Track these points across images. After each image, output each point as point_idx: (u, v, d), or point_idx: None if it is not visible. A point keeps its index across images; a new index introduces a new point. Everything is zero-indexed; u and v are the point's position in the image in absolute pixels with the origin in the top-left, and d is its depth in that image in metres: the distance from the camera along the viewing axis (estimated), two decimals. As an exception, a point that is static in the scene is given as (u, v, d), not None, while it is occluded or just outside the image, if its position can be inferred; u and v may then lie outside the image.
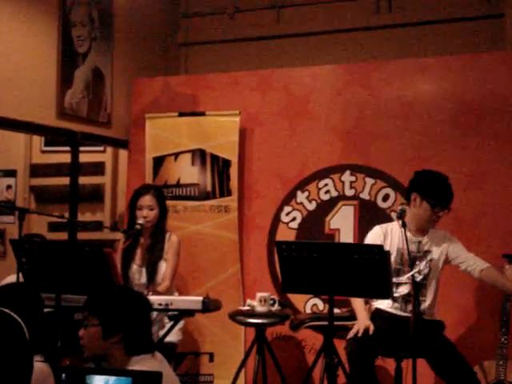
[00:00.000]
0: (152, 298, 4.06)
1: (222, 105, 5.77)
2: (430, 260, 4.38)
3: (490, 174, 5.12)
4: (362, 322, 4.27)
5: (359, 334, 4.21)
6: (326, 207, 5.51)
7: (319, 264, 3.70)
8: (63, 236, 5.95)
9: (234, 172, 5.63)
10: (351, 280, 3.71)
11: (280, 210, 5.62)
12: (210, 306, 4.14)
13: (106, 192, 7.21)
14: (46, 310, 3.35)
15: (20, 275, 3.97)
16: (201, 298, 4.11)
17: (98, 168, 7.14)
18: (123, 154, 6.62)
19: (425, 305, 4.36)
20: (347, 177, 5.47)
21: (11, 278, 4.44)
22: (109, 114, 6.02)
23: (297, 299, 5.45)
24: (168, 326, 4.45)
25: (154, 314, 4.45)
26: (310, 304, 5.47)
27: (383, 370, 4.92)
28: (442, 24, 6.14)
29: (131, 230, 4.72)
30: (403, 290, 4.35)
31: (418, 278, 4.29)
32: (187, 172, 5.73)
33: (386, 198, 5.37)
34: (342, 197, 5.48)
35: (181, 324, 4.71)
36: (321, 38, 6.50)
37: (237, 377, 5.07)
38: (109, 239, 6.49)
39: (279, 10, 6.70)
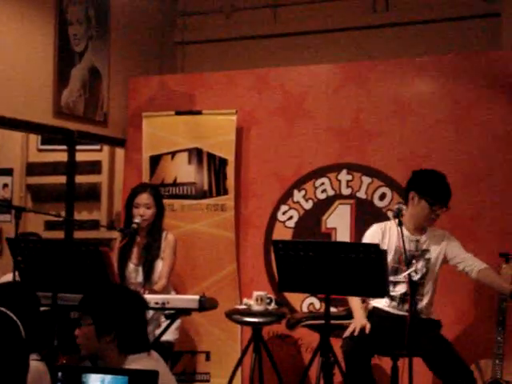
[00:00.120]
0: (148, 296, 4.05)
1: (219, 103, 5.77)
2: (428, 259, 4.38)
3: (487, 173, 5.13)
4: (359, 321, 4.27)
5: (355, 333, 4.21)
6: (323, 206, 5.51)
7: (316, 263, 3.70)
8: (60, 235, 5.94)
9: (230, 171, 5.63)
10: (348, 279, 3.71)
11: (277, 208, 5.62)
12: (206, 304, 4.13)
13: (102, 191, 7.20)
14: (42, 308, 3.35)
15: (16, 274, 3.96)
16: (197, 297, 4.11)
17: (94, 167, 7.13)
18: (120, 152, 6.62)
19: (422, 304, 4.36)
20: (344, 176, 5.47)
21: (7, 277, 4.44)
22: (105, 112, 6.01)
23: (293, 298, 5.45)
24: (164, 324, 4.45)
25: (151, 312, 4.45)
26: (306, 303, 5.47)
27: (379, 369, 4.92)
28: (438, 23, 6.14)
29: (128, 228, 4.72)
30: (401, 288, 4.36)
31: (416, 276, 4.30)
32: (184, 171, 5.73)
33: (382, 197, 5.37)
34: (338, 196, 5.48)
35: (177, 323, 4.71)
36: (317, 36, 6.50)
37: (233, 375, 5.07)
38: (105, 238, 6.48)
39: (276, 9, 6.70)
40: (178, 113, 5.78)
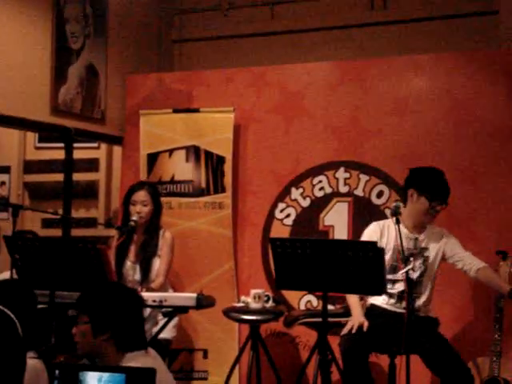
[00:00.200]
0: (146, 294, 4.06)
1: (217, 101, 5.77)
2: (427, 257, 4.38)
3: (484, 171, 5.13)
4: (357, 319, 4.27)
5: (353, 331, 4.21)
6: (321, 204, 5.51)
7: (313, 261, 3.70)
8: (57, 232, 5.94)
9: (228, 168, 5.63)
10: (345, 276, 3.71)
11: (274, 206, 5.62)
12: (204, 302, 4.14)
13: (100, 188, 7.20)
14: (39, 306, 3.35)
15: (13, 272, 3.96)
16: (195, 295, 4.11)
17: (92, 164, 7.13)
18: (117, 150, 6.62)
19: (420, 301, 4.36)
20: (341, 173, 5.47)
21: (5, 275, 4.43)
22: (103, 110, 6.00)
23: (291, 296, 5.45)
24: (161, 322, 4.45)
25: (148, 310, 4.45)
26: (304, 300, 5.47)
27: (377, 367, 4.92)
28: (436, 21, 6.14)
29: (125, 226, 4.71)
30: (399, 286, 4.36)
31: (414, 275, 4.30)
32: (181, 168, 5.73)
33: (380, 194, 5.37)
34: (336, 193, 5.48)
35: (175, 320, 4.71)
36: (315, 34, 6.49)
37: (231, 373, 5.07)
38: (103, 236, 6.47)
39: (273, 7, 6.69)
40: (176, 110, 5.77)
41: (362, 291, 4.10)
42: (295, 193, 5.57)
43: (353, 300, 4.38)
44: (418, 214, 4.36)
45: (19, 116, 5.22)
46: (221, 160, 5.65)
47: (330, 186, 5.49)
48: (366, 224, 4.57)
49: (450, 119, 5.24)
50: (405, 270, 3.94)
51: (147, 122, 5.81)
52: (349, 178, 5.45)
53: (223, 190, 5.64)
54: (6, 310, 2.06)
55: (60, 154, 5.91)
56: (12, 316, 2.05)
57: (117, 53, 6.18)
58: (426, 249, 4.40)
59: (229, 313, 5.00)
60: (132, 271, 4.76)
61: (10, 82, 5.15)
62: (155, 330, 4.50)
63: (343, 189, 5.46)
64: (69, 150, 5.74)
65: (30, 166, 7.29)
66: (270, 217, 5.63)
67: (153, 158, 5.77)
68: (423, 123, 5.30)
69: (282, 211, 5.61)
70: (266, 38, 6.66)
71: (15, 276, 3.95)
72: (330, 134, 5.53)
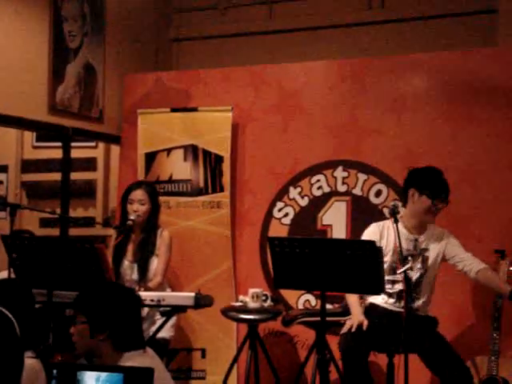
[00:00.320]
0: (144, 294, 4.05)
1: (215, 100, 5.76)
2: (427, 258, 4.37)
3: (483, 170, 5.12)
4: (356, 318, 4.27)
5: (353, 329, 4.21)
6: (319, 203, 5.51)
7: (311, 260, 3.69)
8: (55, 232, 5.93)
9: (226, 168, 5.62)
10: (343, 276, 3.70)
11: (272, 205, 5.62)
12: (202, 301, 4.13)
13: (97, 188, 7.19)
14: (37, 305, 3.34)
15: (11, 271, 3.95)
16: (193, 294, 4.11)
17: (89, 164, 7.12)
18: (115, 149, 6.61)
19: (419, 302, 4.36)
20: (340, 172, 5.47)
21: (2, 274, 4.42)
22: (101, 109, 6.00)
23: (289, 295, 5.45)
24: (159, 322, 4.44)
25: (146, 310, 4.44)
26: (302, 300, 5.47)
27: (375, 366, 4.91)
28: (434, 20, 6.14)
29: (123, 225, 4.71)
30: (399, 286, 4.34)
31: (414, 275, 4.30)
32: (179, 168, 5.72)
33: (378, 193, 5.37)
34: (334, 193, 5.48)
35: (173, 320, 4.70)
36: (313, 33, 6.49)
37: (229, 373, 5.06)
38: (101, 235, 6.47)
39: (271, 6, 6.69)
40: (174, 110, 5.76)
41: (360, 290, 4.09)
42: (293, 192, 5.57)
43: (352, 299, 4.37)
44: (419, 213, 4.35)
45: (17, 115, 5.21)
46: (219, 159, 5.64)
47: (329, 185, 5.48)
48: (365, 223, 4.56)
49: (448, 118, 5.23)
50: (402, 269, 3.94)
51: (145, 121, 5.80)
52: (347, 177, 5.44)
53: (221, 190, 5.64)
54: (3, 309, 2.06)
55: (58, 153, 5.90)
56: (10, 315, 2.05)
57: (115, 52, 6.17)
58: (426, 250, 4.38)
59: (227, 312, 5.00)
60: (130, 270, 4.75)
61: (8, 80, 5.15)
62: (153, 329, 4.48)
63: (341, 188, 5.45)
64: (66, 149, 5.74)
65: (27, 165, 7.27)
66: (268, 216, 5.62)
67: (151, 157, 5.76)
68: (421, 122, 5.29)
69: (280, 210, 5.60)
70: (264, 36, 6.65)
71: (13, 275, 3.95)
72: (328, 133, 5.52)
